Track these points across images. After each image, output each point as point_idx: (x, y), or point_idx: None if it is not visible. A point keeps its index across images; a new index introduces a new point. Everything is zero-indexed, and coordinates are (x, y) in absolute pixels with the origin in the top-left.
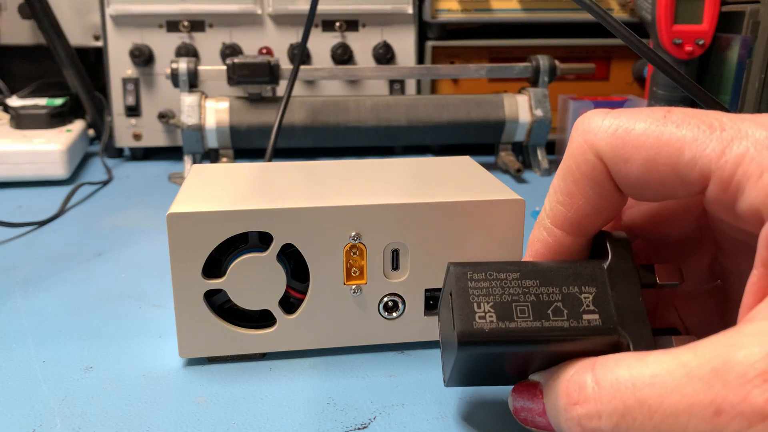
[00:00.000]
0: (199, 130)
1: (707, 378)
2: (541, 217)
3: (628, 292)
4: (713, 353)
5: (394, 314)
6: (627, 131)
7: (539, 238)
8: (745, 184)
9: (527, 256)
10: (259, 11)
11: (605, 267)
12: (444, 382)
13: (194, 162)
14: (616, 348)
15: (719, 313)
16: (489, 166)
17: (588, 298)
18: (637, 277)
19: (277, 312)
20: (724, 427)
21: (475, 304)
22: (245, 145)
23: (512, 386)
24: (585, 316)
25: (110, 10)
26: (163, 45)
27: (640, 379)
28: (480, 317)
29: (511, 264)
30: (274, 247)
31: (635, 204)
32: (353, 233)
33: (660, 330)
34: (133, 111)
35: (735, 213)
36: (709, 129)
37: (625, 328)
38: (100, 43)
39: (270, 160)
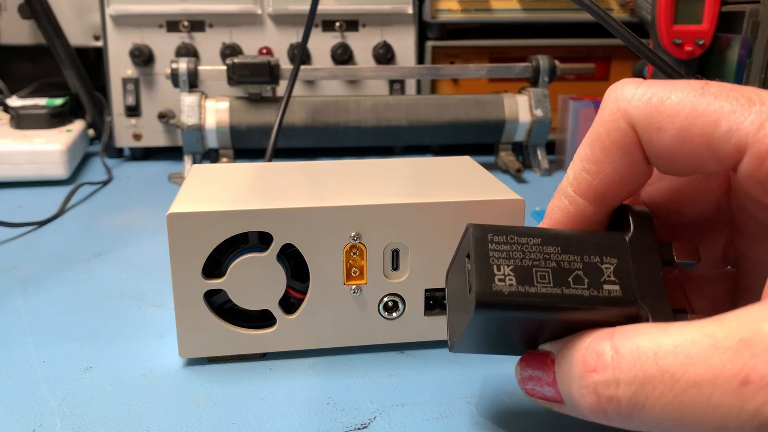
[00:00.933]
0: (199, 130)
1: (735, 348)
2: (563, 186)
3: (648, 266)
4: (741, 324)
5: (394, 314)
6: (662, 100)
7: (560, 207)
8: None
9: (545, 225)
10: (259, 11)
11: (627, 239)
12: (449, 348)
13: (194, 162)
14: (635, 320)
15: (728, 299)
16: (489, 166)
17: (609, 268)
18: (659, 251)
19: (277, 312)
20: (750, 398)
21: (494, 266)
22: (245, 145)
23: (519, 357)
24: (605, 287)
25: (110, 10)
26: (163, 45)
27: (663, 348)
28: (499, 279)
29: (533, 229)
30: (274, 247)
31: (655, 181)
32: (353, 233)
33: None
34: (133, 111)
35: (767, 188)
36: (748, 102)
37: (645, 302)
38: (100, 43)
39: (270, 160)
